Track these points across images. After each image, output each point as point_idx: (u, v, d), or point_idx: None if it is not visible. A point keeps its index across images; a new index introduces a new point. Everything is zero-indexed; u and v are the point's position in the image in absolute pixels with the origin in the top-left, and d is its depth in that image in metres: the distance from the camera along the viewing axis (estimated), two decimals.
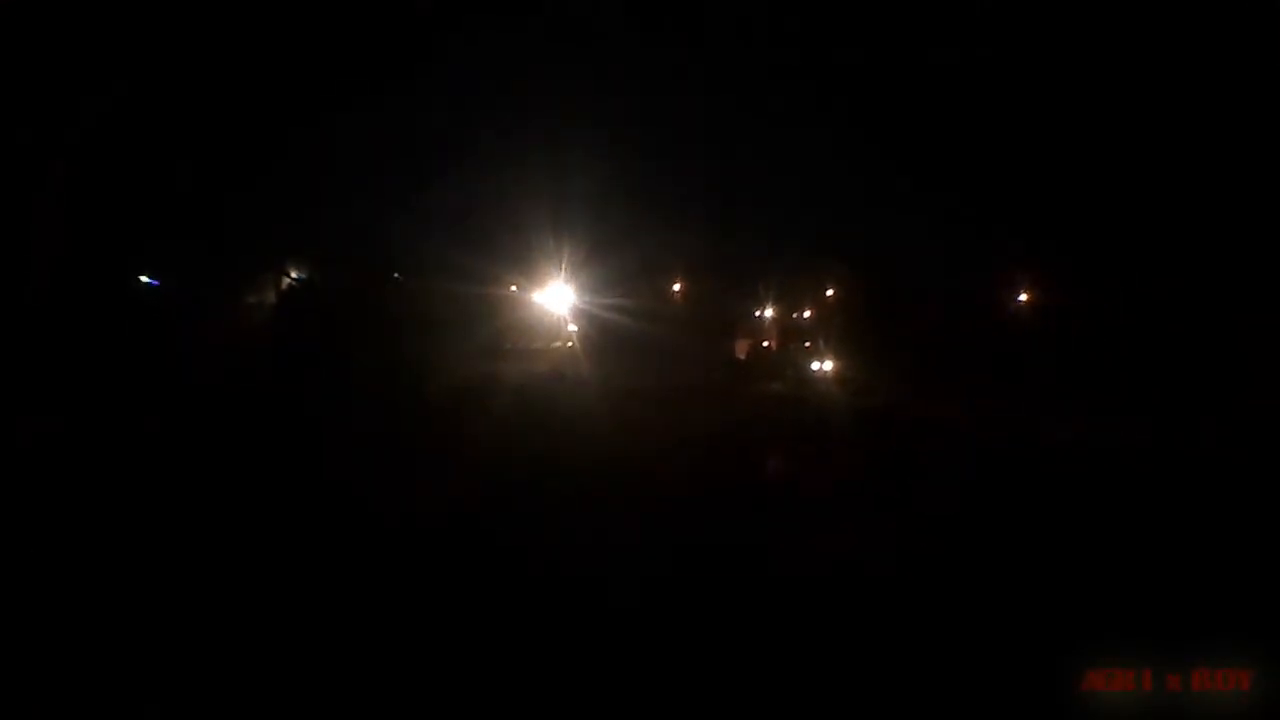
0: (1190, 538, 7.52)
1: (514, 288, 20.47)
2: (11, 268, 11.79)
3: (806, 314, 22.22)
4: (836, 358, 19.58)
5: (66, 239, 12.58)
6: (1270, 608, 6.10)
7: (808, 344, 20.75)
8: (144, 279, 15.05)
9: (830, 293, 21.95)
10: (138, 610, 5.75)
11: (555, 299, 20.48)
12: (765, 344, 21.80)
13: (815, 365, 19.92)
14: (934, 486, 9.27)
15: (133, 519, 7.25)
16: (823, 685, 5.18)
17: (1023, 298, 19.52)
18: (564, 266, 19.76)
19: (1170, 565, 6.84)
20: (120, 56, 12.85)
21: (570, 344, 20.54)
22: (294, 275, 17.08)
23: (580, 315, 20.71)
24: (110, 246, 13.67)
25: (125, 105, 13.19)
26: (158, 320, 14.18)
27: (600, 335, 20.31)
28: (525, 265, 19.99)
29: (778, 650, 5.41)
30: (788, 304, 21.98)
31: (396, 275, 18.80)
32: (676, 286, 21.29)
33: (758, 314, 21.89)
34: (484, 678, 5.32)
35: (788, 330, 21.85)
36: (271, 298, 16.79)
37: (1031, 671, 5.32)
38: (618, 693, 5.15)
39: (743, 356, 21.56)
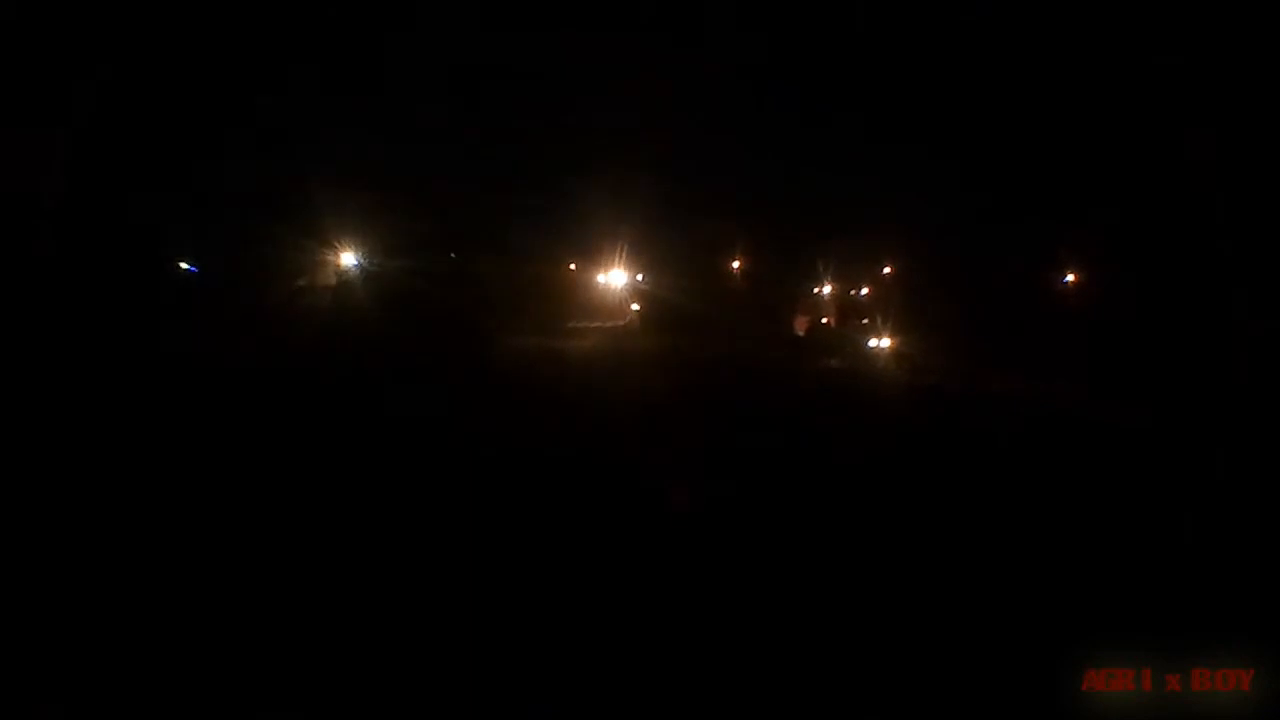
0: (1191, 535, 7.55)
1: (573, 267, 20.93)
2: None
3: (865, 291, 22.23)
4: (894, 335, 19.61)
5: (79, 229, 12.55)
6: (1270, 608, 6.18)
7: (866, 321, 20.79)
8: (183, 265, 15.21)
9: (888, 270, 21.91)
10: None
11: (617, 278, 20.90)
12: (824, 320, 21.89)
13: (873, 342, 19.98)
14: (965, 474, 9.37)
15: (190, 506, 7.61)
16: (822, 684, 5.46)
17: (1070, 278, 19.24)
18: (625, 246, 20.19)
19: (1170, 564, 6.93)
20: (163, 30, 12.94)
21: (632, 322, 20.95)
22: (348, 257, 17.43)
23: (641, 295, 21.11)
24: (143, 234, 13.83)
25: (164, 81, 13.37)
26: (196, 307, 14.31)
27: (661, 314, 20.69)
28: (586, 245, 20.48)
29: (777, 647, 5.70)
30: (846, 281, 22.03)
31: (452, 255, 19.16)
32: (736, 264, 21.49)
33: (816, 291, 21.97)
34: None
35: (846, 307, 21.89)
36: (327, 280, 17.14)
37: (1032, 671, 5.54)
38: None
39: (802, 333, 21.69)
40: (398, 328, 15.97)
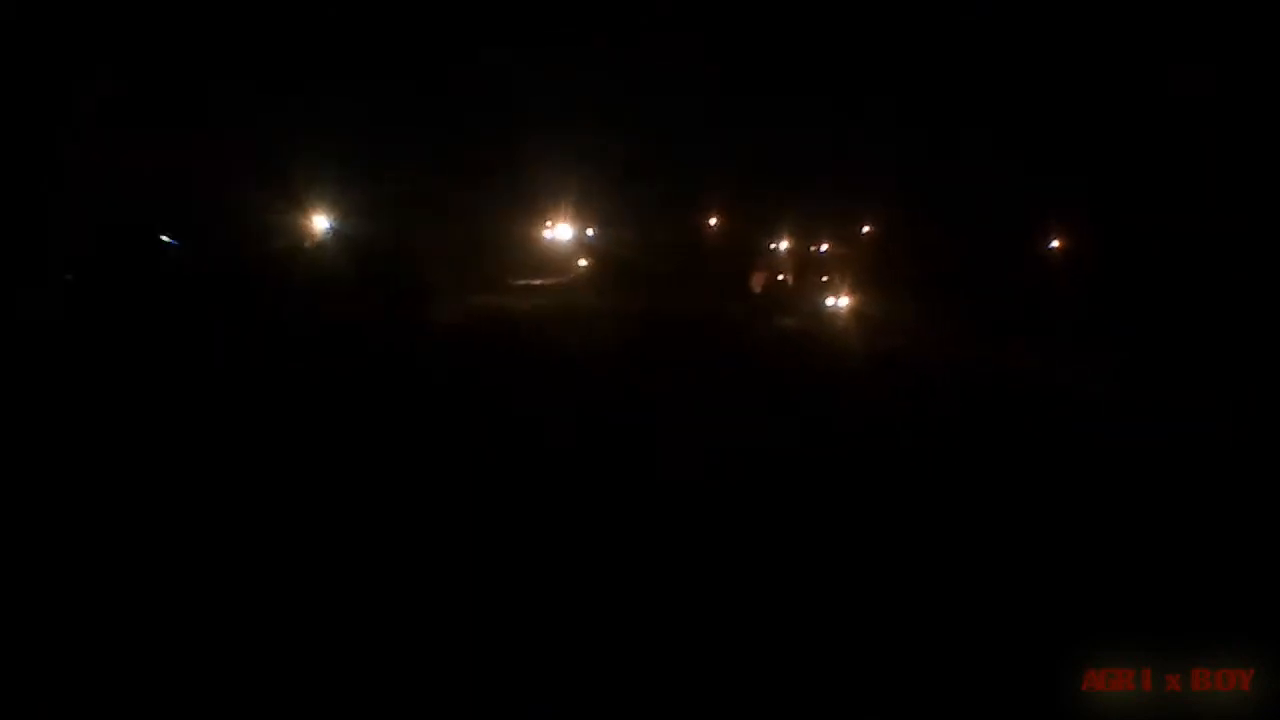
0: (1192, 534, 7.48)
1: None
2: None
3: (824, 248, 21.92)
4: (853, 293, 19.39)
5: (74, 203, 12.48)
6: (1270, 608, 6.12)
7: (825, 278, 20.54)
8: (164, 239, 15.00)
9: (858, 228, 21.60)
10: None
11: (566, 233, 20.36)
12: (781, 277, 21.55)
13: (830, 301, 19.76)
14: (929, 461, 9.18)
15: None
16: (821, 683, 5.26)
17: (1055, 244, 19.13)
18: (576, 200, 19.60)
19: (1170, 564, 6.84)
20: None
21: (581, 278, 20.50)
22: (315, 220, 16.88)
23: (591, 250, 20.61)
24: (123, 207, 13.59)
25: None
26: (182, 280, 14.17)
27: (611, 269, 20.24)
28: (535, 199, 19.83)
29: (777, 646, 5.49)
30: (805, 237, 21.67)
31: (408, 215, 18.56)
32: (690, 220, 21.05)
33: (773, 247, 21.60)
34: None
35: (804, 264, 21.57)
36: (292, 244, 16.67)
37: (1032, 671, 5.38)
38: None
39: (758, 290, 21.35)
40: (349, 291, 15.70)
